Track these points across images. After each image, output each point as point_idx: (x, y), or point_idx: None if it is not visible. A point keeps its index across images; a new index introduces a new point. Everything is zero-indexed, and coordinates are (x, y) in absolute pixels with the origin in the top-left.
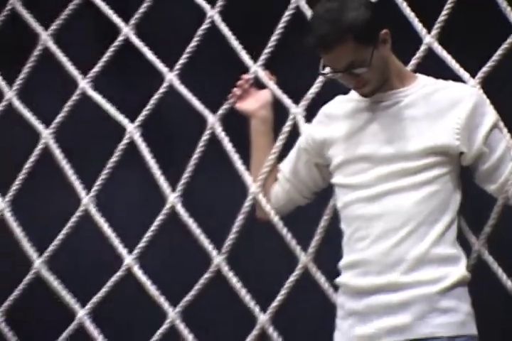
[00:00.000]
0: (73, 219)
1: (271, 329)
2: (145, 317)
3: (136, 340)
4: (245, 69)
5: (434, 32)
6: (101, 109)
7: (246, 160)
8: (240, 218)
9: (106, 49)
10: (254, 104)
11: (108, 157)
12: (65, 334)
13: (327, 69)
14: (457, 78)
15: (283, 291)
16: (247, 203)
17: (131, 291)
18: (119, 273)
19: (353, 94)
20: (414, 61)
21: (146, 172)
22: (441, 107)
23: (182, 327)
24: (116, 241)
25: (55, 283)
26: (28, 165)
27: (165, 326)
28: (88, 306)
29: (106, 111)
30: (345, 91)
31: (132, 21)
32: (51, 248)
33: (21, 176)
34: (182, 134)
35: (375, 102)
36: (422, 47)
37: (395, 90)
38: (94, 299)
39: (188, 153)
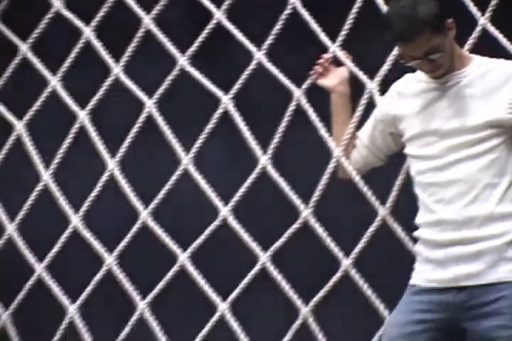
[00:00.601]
0: (174, 177)
1: (353, 272)
2: (234, 261)
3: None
4: (325, 49)
5: (487, 14)
6: (196, 84)
7: (328, 129)
8: (325, 177)
9: (200, 30)
10: (333, 80)
11: (203, 124)
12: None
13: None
14: (509, 57)
15: (363, 239)
16: (331, 165)
17: (224, 236)
18: (215, 223)
19: (420, 75)
20: (470, 42)
21: (239, 138)
22: (495, 84)
23: (272, 269)
24: (213, 196)
25: (159, 231)
26: (134, 130)
27: (256, 268)
28: (188, 250)
29: (202, 84)
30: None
31: (224, 7)
32: (155, 202)
33: (128, 140)
34: (269, 106)
35: (439, 83)
36: (477, 28)
37: (456, 71)
38: (194, 245)
39: (276, 123)
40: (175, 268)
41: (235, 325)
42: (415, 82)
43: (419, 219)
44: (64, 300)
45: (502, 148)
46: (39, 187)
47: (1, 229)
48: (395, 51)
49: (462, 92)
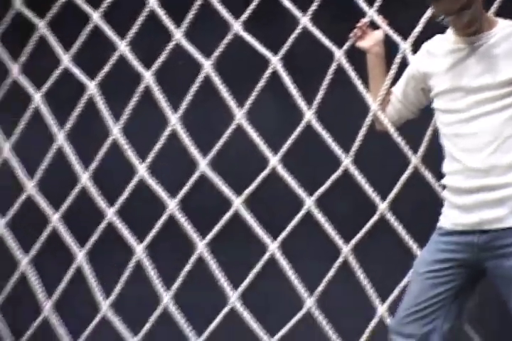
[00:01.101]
0: (229, 130)
1: (389, 215)
2: (282, 206)
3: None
4: (363, 14)
5: None
6: (248, 46)
7: (366, 86)
8: (363, 129)
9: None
10: (370, 42)
11: (254, 83)
12: None
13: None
14: None
15: (398, 185)
16: (368, 118)
17: (273, 184)
18: (266, 172)
19: (450, 35)
20: (495, 6)
21: (286, 95)
22: None
23: (316, 212)
24: (263, 147)
25: (216, 179)
26: (193, 89)
27: (303, 211)
28: (242, 197)
29: (254, 47)
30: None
31: None
32: (212, 153)
33: (188, 98)
34: (314, 66)
35: (467, 43)
36: None
37: (483, 33)
38: (247, 191)
39: (319, 81)
40: (230, 213)
41: (283, 263)
42: (445, 42)
43: (446, 167)
44: (132, 241)
45: None
46: (109, 141)
47: (76, 179)
48: (426, 15)
49: (489, 52)
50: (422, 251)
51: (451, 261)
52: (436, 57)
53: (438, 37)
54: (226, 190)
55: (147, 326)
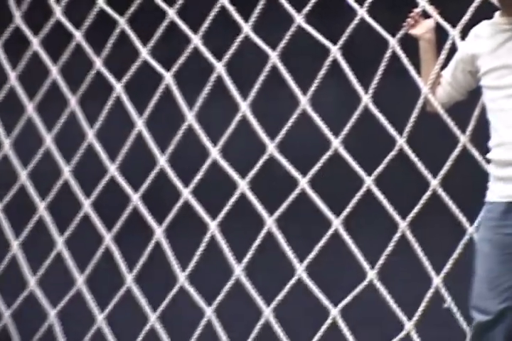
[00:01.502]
0: (294, 116)
1: (440, 191)
2: (343, 184)
3: None
4: (415, 5)
5: None
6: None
7: (418, 71)
8: (415, 111)
9: None
10: (421, 29)
11: (316, 71)
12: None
13: None
14: None
15: (448, 163)
16: (420, 101)
17: (335, 164)
18: (328, 153)
19: (495, 20)
20: None
21: (345, 82)
22: None
23: (376, 190)
24: (325, 130)
25: (283, 161)
26: (261, 78)
27: (363, 189)
28: (307, 177)
29: (315, 38)
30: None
31: None
32: (280, 137)
33: (256, 86)
34: (370, 55)
35: (510, 26)
36: None
37: None
38: (312, 171)
39: (375, 68)
40: (296, 191)
41: (347, 238)
42: (490, 26)
43: (491, 142)
44: (207, 218)
45: None
46: (184, 127)
47: (154, 163)
48: (474, 4)
49: None
50: (479, 230)
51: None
52: (482, 39)
53: (485, 22)
54: (292, 171)
55: (220, 297)
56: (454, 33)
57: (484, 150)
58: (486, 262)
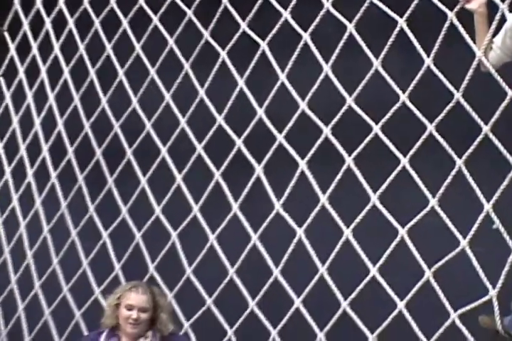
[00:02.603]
0: (368, 75)
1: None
2: None
3: None
4: None
5: None
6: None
7: (472, 39)
8: (470, 71)
9: None
10: (475, 4)
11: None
12: None
13: None
14: None
15: (497, 113)
16: (475, 62)
17: None
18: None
19: None
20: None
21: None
22: None
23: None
24: (394, 86)
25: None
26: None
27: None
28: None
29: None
30: None
31: None
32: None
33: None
34: (431, 26)
35: None
36: None
37: None
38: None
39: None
40: (370, 136)
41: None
42: None
43: None
44: (297, 158)
45: None
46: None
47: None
48: None
49: None
50: None
51: None
52: None
53: None
54: (367, 119)
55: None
56: (503, 6)
57: None
58: None
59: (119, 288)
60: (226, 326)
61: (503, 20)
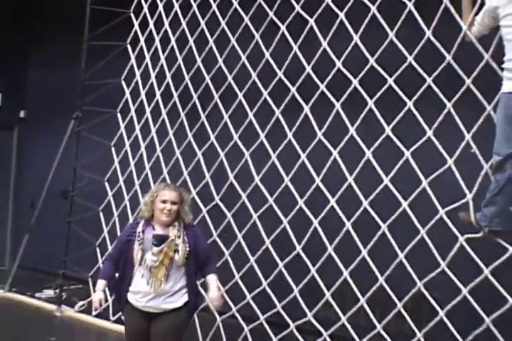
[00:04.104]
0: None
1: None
2: None
3: None
4: None
5: None
6: None
7: (460, 15)
8: (458, 40)
9: None
10: None
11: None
12: None
13: None
14: None
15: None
16: (462, 34)
17: None
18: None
19: None
20: None
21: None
22: None
23: None
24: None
25: None
26: None
27: None
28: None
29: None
30: None
31: None
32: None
33: None
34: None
35: None
36: None
37: None
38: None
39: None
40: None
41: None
42: None
43: (506, 58)
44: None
45: None
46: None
47: None
48: None
49: None
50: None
51: None
52: None
53: None
54: None
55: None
56: None
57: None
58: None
59: (153, 187)
60: None
61: (483, 3)
